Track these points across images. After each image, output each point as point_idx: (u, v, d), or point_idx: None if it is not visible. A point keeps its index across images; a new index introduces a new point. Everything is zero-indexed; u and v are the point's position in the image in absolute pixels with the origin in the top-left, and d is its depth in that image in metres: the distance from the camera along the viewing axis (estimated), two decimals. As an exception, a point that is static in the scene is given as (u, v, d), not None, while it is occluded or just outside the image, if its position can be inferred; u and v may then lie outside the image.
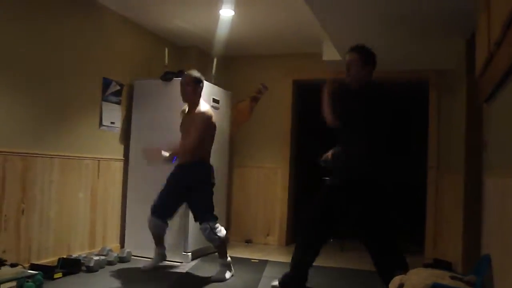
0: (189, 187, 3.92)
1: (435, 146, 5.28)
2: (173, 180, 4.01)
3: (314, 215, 3.37)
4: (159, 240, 4.15)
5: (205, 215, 3.89)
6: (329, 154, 3.50)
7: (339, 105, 3.23)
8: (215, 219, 3.90)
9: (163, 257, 4.22)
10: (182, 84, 3.99)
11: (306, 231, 3.43)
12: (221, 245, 3.95)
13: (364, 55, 3.15)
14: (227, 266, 3.98)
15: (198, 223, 3.93)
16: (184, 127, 4.02)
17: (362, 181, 3.14)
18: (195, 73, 4.02)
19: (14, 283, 3.13)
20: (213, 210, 3.94)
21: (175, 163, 3.97)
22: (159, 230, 4.06)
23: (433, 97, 5.35)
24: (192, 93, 3.96)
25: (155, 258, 4.17)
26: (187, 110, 4.08)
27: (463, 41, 3.98)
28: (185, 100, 4.03)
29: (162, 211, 4.00)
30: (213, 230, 3.84)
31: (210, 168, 4.03)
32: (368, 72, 3.17)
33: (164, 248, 4.21)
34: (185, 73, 4.07)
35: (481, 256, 3.15)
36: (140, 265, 4.22)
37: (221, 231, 3.91)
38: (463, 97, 4.05)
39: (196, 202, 3.96)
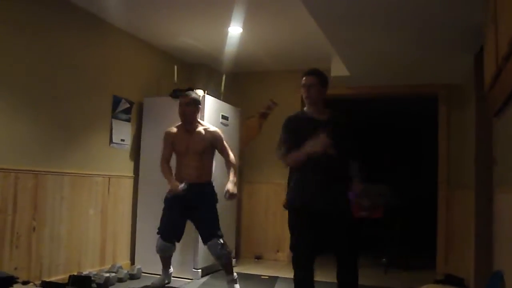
0: (196, 206, 3.91)
1: (445, 161, 5.26)
2: (178, 201, 3.93)
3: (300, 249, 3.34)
4: (166, 262, 4.16)
5: (215, 232, 3.88)
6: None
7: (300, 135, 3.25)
8: (222, 236, 3.91)
9: (169, 277, 4.25)
10: (182, 104, 3.97)
11: (298, 271, 3.38)
12: (230, 261, 3.96)
13: (322, 78, 3.27)
14: (236, 281, 3.97)
15: (206, 242, 3.89)
16: (188, 146, 3.97)
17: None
18: (195, 94, 4.05)
19: (25, 301, 3.16)
20: (220, 228, 3.96)
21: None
22: (168, 253, 4.06)
23: (443, 111, 5.34)
24: (193, 113, 3.97)
25: (163, 276, 4.18)
26: (176, 130, 4.04)
27: (472, 55, 3.98)
28: (185, 120, 3.98)
29: (170, 234, 3.99)
30: (223, 246, 3.85)
31: (213, 187, 4.06)
32: (324, 93, 3.29)
33: (171, 269, 4.25)
34: (185, 93, 4.06)
35: (493, 272, 3.12)
36: (151, 281, 4.21)
37: (228, 247, 3.92)
38: (472, 111, 4.04)
39: (205, 220, 3.93)
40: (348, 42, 4.08)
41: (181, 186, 3.84)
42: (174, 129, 4.06)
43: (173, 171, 4.04)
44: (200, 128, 3.98)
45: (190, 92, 4.06)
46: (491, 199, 3.60)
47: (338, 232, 3.17)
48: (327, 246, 3.37)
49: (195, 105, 3.97)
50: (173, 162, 4.07)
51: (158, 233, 3.99)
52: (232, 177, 3.93)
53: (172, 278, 4.38)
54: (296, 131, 3.30)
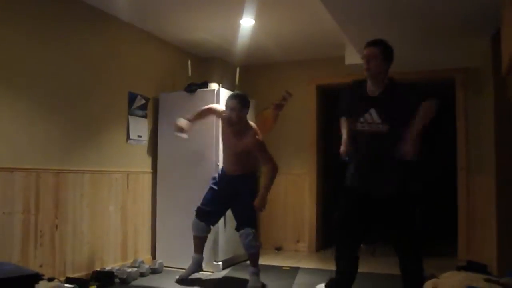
0: (238, 194, 3.97)
1: (464, 147, 5.19)
2: (223, 189, 4.05)
3: (340, 222, 3.27)
4: (198, 246, 4.18)
5: (250, 221, 3.92)
6: (345, 147, 3.27)
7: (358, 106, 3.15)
8: (255, 227, 3.95)
9: (200, 266, 4.23)
10: (227, 108, 3.91)
11: (337, 240, 3.35)
12: (257, 254, 3.98)
13: (385, 49, 3.07)
14: (258, 274, 3.99)
15: (239, 229, 3.95)
16: (229, 142, 4.01)
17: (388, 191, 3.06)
18: (240, 96, 3.93)
19: (51, 297, 3.22)
20: (256, 220, 3.99)
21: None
22: (200, 232, 4.11)
23: (460, 96, 5.26)
24: (237, 118, 3.87)
25: (192, 266, 4.18)
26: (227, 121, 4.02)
27: (489, 38, 3.92)
28: (229, 123, 3.94)
29: (204, 213, 4.06)
30: (255, 236, 3.89)
31: (257, 179, 4.09)
32: (387, 67, 3.09)
33: (202, 257, 4.23)
34: (230, 96, 3.96)
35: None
36: (172, 275, 4.25)
37: (258, 240, 3.95)
38: (490, 95, 3.98)
39: (243, 208, 3.97)
40: (361, 30, 4.03)
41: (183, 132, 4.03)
42: (223, 120, 4.05)
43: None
44: (246, 132, 3.90)
45: (235, 95, 3.95)
46: (511, 184, 3.56)
47: (389, 218, 3.06)
48: (377, 231, 3.24)
49: (241, 109, 3.86)
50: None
51: (195, 209, 4.08)
52: (262, 187, 3.93)
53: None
54: (351, 100, 3.22)
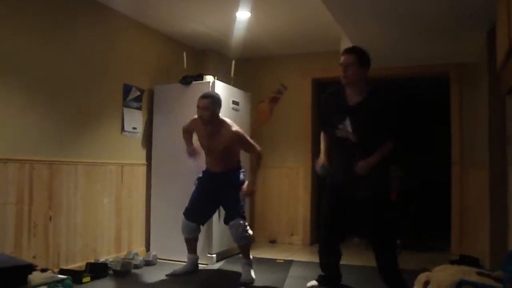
0: (225, 188, 3.98)
1: (458, 141, 5.22)
2: (209, 187, 4.05)
3: (324, 214, 3.54)
4: (190, 246, 4.18)
5: (238, 212, 3.93)
6: (321, 161, 3.48)
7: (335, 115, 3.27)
8: (245, 218, 3.96)
9: (195, 266, 4.23)
10: (199, 108, 3.88)
11: (321, 231, 3.57)
12: (248, 245, 3.99)
13: (360, 56, 3.13)
14: (251, 266, 4.00)
15: (228, 222, 3.95)
16: (208, 144, 4.00)
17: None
18: (212, 95, 3.94)
19: (44, 288, 3.22)
20: (244, 211, 4.01)
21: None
22: (190, 234, 4.10)
23: (455, 91, 5.28)
24: (211, 116, 3.87)
25: (187, 265, 4.18)
26: (199, 123, 4.02)
27: (484, 33, 3.92)
28: (203, 122, 3.93)
29: (192, 214, 4.06)
30: (245, 227, 3.90)
31: (241, 172, 4.09)
32: (365, 73, 3.16)
33: (196, 256, 4.23)
34: (201, 96, 3.93)
35: (508, 251, 3.11)
36: (166, 267, 4.26)
37: (249, 230, 3.95)
38: (485, 90, 3.99)
39: (230, 200, 3.98)
40: (357, 23, 4.03)
41: (195, 156, 4.07)
42: (197, 123, 4.03)
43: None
44: (221, 128, 3.91)
45: (207, 94, 3.94)
46: (505, 178, 3.58)
47: (363, 216, 3.29)
48: (354, 226, 3.56)
49: (214, 107, 3.87)
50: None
51: (183, 212, 4.08)
52: (251, 176, 3.97)
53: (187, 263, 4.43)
54: (327, 112, 3.32)
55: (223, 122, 3.94)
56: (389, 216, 3.35)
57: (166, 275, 4.06)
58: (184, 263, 4.21)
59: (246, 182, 3.96)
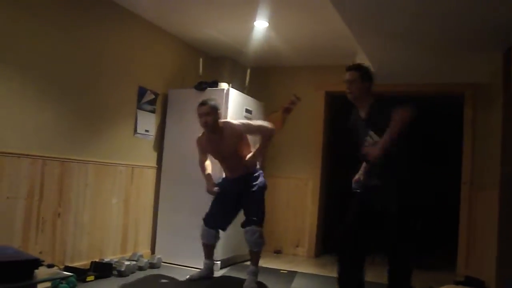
0: (246, 192, 3.98)
1: (469, 161, 5.18)
2: (229, 192, 4.05)
3: (346, 229, 3.31)
4: (207, 252, 4.18)
5: (258, 218, 3.93)
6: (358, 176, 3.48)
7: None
8: (262, 225, 3.96)
9: (211, 272, 4.23)
10: (201, 115, 3.89)
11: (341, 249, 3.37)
12: (259, 252, 3.99)
13: (363, 72, 3.21)
14: (256, 275, 3.99)
15: (245, 227, 3.93)
16: (218, 152, 4.02)
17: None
18: (211, 101, 3.94)
19: (49, 284, 3.24)
20: (264, 219, 4.00)
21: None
22: (209, 240, 4.10)
23: (468, 111, 5.25)
24: (215, 122, 3.88)
25: (203, 271, 4.17)
26: (204, 138, 4.05)
27: (500, 54, 3.92)
28: (207, 129, 3.95)
29: (211, 219, 4.07)
30: (261, 234, 3.90)
31: (260, 174, 4.10)
32: (369, 88, 3.21)
33: (213, 263, 4.24)
34: (201, 103, 3.94)
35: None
36: (170, 271, 4.28)
37: (264, 239, 3.97)
38: (499, 111, 3.98)
39: (250, 206, 3.99)
40: (374, 41, 4.05)
41: (216, 189, 4.02)
42: (203, 138, 4.06)
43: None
44: (224, 131, 3.92)
45: (206, 100, 3.95)
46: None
47: (386, 230, 3.17)
48: (375, 241, 3.40)
49: (215, 113, 3.89)
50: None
51: (203, 218, 4.09)
52: (257, 148, 3.95)
53: (190, 268, 4.44)
54: (352, 130, 3.35)
55: (224, 124, 3.96)
56: (415, 230, 3.24)
57: (182, 280, 4.06)
58: (193, 268, 4.21)
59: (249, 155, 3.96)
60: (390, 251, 3.22)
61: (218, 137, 3.94)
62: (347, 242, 3.21)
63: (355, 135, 3.30)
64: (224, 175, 4.20)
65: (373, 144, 3.08)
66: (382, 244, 3.27)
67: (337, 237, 3.29)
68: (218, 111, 3.92)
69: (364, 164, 3.40)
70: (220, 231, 4.17)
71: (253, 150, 4.02)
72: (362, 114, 3.21)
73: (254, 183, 3.99)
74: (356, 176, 3.49)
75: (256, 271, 3.98)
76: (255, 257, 3.98)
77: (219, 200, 4.08)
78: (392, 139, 2.92)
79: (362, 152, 3.18)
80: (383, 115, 3.03)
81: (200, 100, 4.28)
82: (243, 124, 3.96)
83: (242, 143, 3.96)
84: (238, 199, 4.03)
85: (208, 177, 4.11)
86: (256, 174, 4.05)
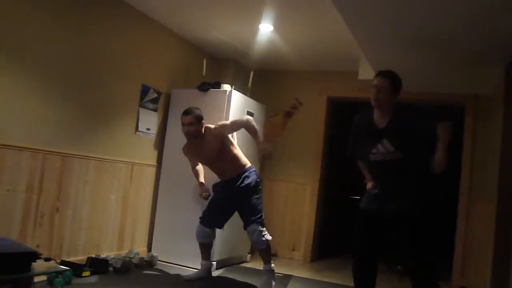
0: (241, 194, 4.01)
1: (468, 173, 5.19)
2: (224, 193, 4.10)
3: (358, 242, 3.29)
4: (204, 252, 4.21)
5: (254, 217, 3.96)
6: (371, 184, 3.35)
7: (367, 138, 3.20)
8: (263, 224, 3.99)
9: (209, 272, 4.25)
10: (184, 124, 3.98)
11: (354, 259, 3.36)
12: (267, 250, 4.00)
13: (394, 82, 3.09)
14: (272, 274, 4.01)
15: (246, 227, 3.98)
16: (204, 157, 4.10)
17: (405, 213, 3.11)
18: (195, 111, 4.01)
19: (45, 277, 3.25)
20: (262, 215, 4.03)
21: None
22: (203, 238, 4.14)
23: (469, 122, 5.27)
24: (197, 131, 3.99)
25: (200, 272, 4.20)
26: (189, 145, 4.16)
27: (502, 66, 3.93)
28: (190, 138, 4.06)
29: (206, 218, 4.12)
30: (261, 232, 3.92)
31: (252, 172, 4.10)
32: (395, 97, 3.11)
33: (210, 263, 4.27)
34: (185, 111, 4.03)
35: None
36: (166, 269, 4.29)
37: (268, 235, 3.99)
38: (499, 123, 3.99)
39: (244, 206, 4.02)
40: (377, 48, 4.06)
41: (205, 194, 4.12)
42: (187, 145, 4.18)
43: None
44: (206, 135, 4.01)
45: (190, 109, 4.01)
46: (512, 213, 3.57)
47: (401, 235, 3.11)
48: (391, 247, 3.35)
49: (198, 123, 3.98)
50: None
51: (200, 217, 4.15)
52: (256, 141, 3.94)
53: (187, 268, 4.45)
54: (357, 135, 3.26)
55: (205, 130, 4.04)
56: (431, 240, 3.18)
57: (179, 280, 4.07)
58: (188, 268, 4.23)
59: (257, 147, 3.95)
60: (409, 267, 3.18)
61: (200, 142, 4.02)
62: (361, 246, 3.23)
63: (359, 140, 3.24)
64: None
65: (386, 154, 3.07)
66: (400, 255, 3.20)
67: (353, 242, 3.30)
68: (202, 121, 4.01)
69: (372, 174, 3.31)
70: (217, 230, 4.21)
71: (238, 149, 4.12)
72: (380, 121, 3.12)
73: (246, 183, 4.01)
74: (369, 185, 3.32)
75: (270, 268, 3.99)
76: (263, 255, 4.01)
77: (216, 200, 4.14)
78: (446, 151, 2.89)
79: (369, 158, 3.16)
80: (408, 126, 3.01)
81: (203, 100, 4.30)
82: (219, 126, 4.01)
83: (224, 144, 4.01)
84: (233, 199, 4.06)
85: (200, 183, 4.22)
86: (247, 173, 4.06)
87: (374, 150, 3.10)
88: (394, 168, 3.08)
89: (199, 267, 4.29)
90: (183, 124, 4.00)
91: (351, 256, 3.27)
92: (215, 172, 4.17)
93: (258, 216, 3.98)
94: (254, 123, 3.97)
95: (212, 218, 4.12)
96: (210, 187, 4.21)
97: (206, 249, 4.19)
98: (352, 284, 3.27)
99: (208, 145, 3.99)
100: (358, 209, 3.31)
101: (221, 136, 3.98)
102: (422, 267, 3.05)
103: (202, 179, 4.24)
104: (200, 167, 4.30)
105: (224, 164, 4.04)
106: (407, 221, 3.05)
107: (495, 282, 3.67)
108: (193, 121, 3.96)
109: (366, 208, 3.23)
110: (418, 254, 3.04)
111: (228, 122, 4.14)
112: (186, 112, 4.00)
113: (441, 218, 5.91)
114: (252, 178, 4.05)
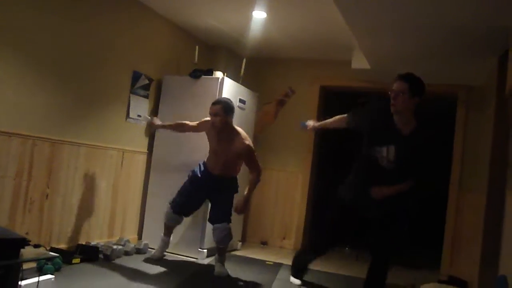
0: (220, 190, 4.05)
1: (459, 163, 5.22)
2: (203, 185, 4.10)
3: (328, 226, 3.50)
4: (169, 232, 4.33)
5: (228, 217, 4.01)
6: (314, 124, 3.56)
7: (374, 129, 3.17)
8: (230, 223, 4.05)
9: (167, 245, 4.37)
10: (211, 114, 3.89)
11: (320, 241, 3.52)
12: (226, 248, 4.12)
13: (414, 86, 2.95)
14: (223, 262, 4.10)
15: (214, 223, 4.01)
16: (217, 148, 4.01)
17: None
18: (225, 101, 3.90)
19: (34, 264, 3.23)
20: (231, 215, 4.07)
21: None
22: (175, 223, 4.26)
23: (461, 112, 5.28)
24: (222, 124, 3.87)
25: (161, 246, 4.33)
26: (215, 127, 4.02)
27: (496, 57, 3.93)
28: (215, 129, 3.95)
29: (178, 206, 4.16)
30: (229, 233, 3.99)
31: (237, 180, 4.16)
32: (414, 103, 2.98)
33: (169, 240, 4.38)
34: (214, 102, 3.93)
35: (498, 276, 3.12)
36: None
37: (231, 235, 4.06)
38: (491, 114, 4.00)
39: (223, 204, 4.04)
40: (373, 37, 4.04)
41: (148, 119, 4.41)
42: (209, 125, 4.03)
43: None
44: (234, 138, 3.91)
45: (219, 100, 3.93)
46: (502, 204, 3.59)
47: (374, 229, 3.24)
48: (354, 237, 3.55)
49: (224, 114, 3.84)
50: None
51: (170, 202, 4.18)
52: (247, 192, 3.93)
53: (177, 256, 4.46)
54: (371, 123, 3.14)
55: (236, 132, 3.94)
56: (402, 232, 3.27)
57: (144, 260, 4.18)
58: (179, 255, 4.24)
59: (239, 199, 3.96)
60: (374, 251, 3.31)
61: (223, 137, 3.94)
62: (328, 243, 3.35)
63: (372, 135, 3.15)
64: (202, 164, 4.20)
65: (384, 158, 3.06)
66: (368, 243, 3.35)
67: (320, 236, 3.42)
68: (230, 113, 3.88)
69: (360, 165, 3.35)
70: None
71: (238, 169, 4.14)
72: (402, 127, 3.04)
73: (231, 188, 4.08)
74: (312, 121, 3.53)
75: (222, 259, 4.09)
76: (221, 251, 4.08)
77: (191, 188, 4.14)
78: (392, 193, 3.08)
79: (370, 152, 3.15)
80: (421, 149, 2.96)
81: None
82: (250, 148, 3.90)
83: (240, 158, 3.97)
84: (211, 192, 4.09)
85: (163, 124, 4.36)
86: (234, 179, 4.13)
87: (378, 148, 3.07)
88: (382, 174, 3.11)
89: (190, 255, 4.31)
90: (210, 114, 3.90)
91: (309, 246, 3.47)
92: (211, 160, 4.11)
93: (230, 215, 4.03)
94: (258, 183, 4.00)
95: (183, 204, 4.15)
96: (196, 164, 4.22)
97: (169, 230, 4.32)
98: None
99: (229, 145, 3.90)
100: (336, 199, 3.40)
101: (244, 153, 3.90)
102: (385, 250, 3.26)
103: (166, 124, 4.35)
104: (183, 128, 4.26)
105: (226, 163, 4.01)
106: (386, 217, 3.18)
107: (484, 271, 3.71)
108: (218, 111, 3.83)
109: (343, 199, 3.34)
110: (387, 239, 3.23)
111: (254, 155, 3.95)
112: (214, 102, 3.90)
113: (430, 208, 5.96)
114: (236, 183, 4.14)
